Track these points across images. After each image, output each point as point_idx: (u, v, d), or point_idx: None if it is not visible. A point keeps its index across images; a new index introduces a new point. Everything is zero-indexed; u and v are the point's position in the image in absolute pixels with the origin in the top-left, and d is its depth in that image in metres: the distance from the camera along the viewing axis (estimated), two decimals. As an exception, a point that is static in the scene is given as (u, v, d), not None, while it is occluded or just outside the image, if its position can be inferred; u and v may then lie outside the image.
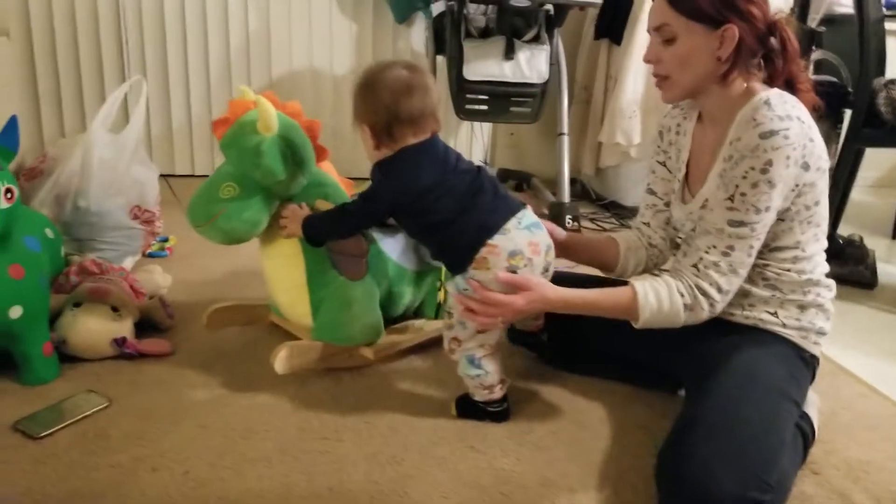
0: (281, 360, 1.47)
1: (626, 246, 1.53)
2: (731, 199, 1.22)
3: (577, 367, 1.63)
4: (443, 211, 1.34)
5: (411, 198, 1.35)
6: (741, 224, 1.22)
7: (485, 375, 1.39)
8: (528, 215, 1.36)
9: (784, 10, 1.29)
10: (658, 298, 1.26)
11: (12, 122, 1.40)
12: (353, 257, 1.51)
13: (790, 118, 1.18)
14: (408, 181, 1.35)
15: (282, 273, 1.57)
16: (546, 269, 1.36)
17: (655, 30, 1.30)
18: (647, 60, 1.33)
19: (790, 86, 1.27)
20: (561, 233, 1.52)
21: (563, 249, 1.50)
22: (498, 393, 1.42)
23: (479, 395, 1.42)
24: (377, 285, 1.60)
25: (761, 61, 1.28)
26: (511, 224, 1.32)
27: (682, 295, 1.26)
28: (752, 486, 1.07)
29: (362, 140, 1.40)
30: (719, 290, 1.25)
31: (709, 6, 1.23)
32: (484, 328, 1.37)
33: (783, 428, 1.20)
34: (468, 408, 1.44)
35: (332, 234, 1.51)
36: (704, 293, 1.25)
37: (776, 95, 1.23)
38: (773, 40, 1.26)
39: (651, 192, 1.51)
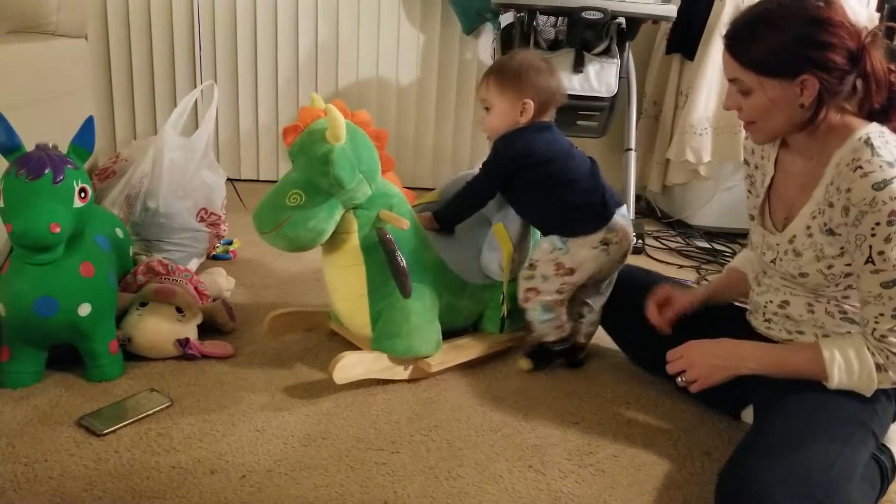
0: (339, 371, 1.46)
1: (753, 276, 1.49)
2: (871, 262, 1.15)
3: (644, 365, 1.65)
4: (572, 170, 1.54)
5: (537, 159, 1.53)
6: (895, 282, 1.15)
7: (556, 318, 1.59)
8: (625, 209, 1.59)
9: (871, 25, 1.21)
10: (846, 358, 1.20)
11: (88, 123, 1.43)
12: (398, 278, 1.49)
13: None
14: (535, 145, 1.53)
15: (343, 283, 1.57)
16: (624, 256, 1.60)
17: (730, 81, 1.24)
18: (727, 108, 1.28)
19: (885, 110, 1.20)
20: (686, 298, 1.53)
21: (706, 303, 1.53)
22: (567, 329, 1.62)
23: (553, 335, 1.61)
24: (437, 298, 1.59)
25: (855, 84, 1.20)
26: (622, 210, 1.58)
27: (873, 354, 1.18)
28: None
29: (494, 113, 1.56)
30: None
31: (776, 62, 1.16)
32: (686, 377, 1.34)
33: (854, 456, 1.13)
34: (541, 356, 1.64)
35: (466, 208, 1.65)
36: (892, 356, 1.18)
37: (876, 135, 1.16)
38: (860, 66, 1.17)
39: (751, 216, 1.46)
